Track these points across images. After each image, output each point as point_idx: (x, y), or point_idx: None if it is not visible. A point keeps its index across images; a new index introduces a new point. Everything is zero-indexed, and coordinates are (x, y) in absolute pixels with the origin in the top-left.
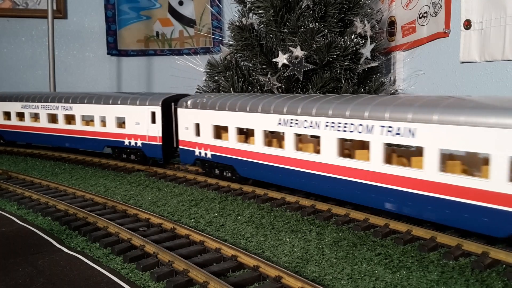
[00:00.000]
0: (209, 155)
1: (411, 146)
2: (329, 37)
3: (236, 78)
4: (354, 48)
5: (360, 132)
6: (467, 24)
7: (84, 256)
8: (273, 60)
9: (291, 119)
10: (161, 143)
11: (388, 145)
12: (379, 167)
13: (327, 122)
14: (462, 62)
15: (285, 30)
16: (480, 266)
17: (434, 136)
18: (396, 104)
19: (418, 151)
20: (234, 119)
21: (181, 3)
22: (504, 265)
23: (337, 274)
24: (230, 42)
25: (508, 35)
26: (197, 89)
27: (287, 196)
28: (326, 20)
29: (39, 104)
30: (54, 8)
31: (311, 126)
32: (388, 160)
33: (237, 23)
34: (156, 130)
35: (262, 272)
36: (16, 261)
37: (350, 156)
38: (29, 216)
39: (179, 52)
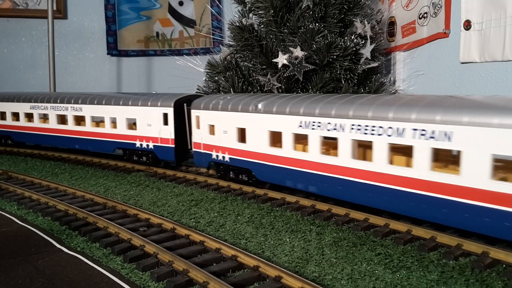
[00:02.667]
0: (227, 159)
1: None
2: (329, 38)
3: (236, 79)
4: (354, 49)
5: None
6: (467, 25)
7: (84, 256)
8: (273, 60)
9: (317, 122)
10: (173, 146)
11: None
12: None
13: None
14: (462, 63)
15: (285, 30)
16: (480, 266)
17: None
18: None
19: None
20: (257, 121)
21: (181, 4)
22: (504, 265)
23: (337, 274)
24: (230, 42)
25: (508, 35)
26: (197, 89)
27: (287, 196)
28: (326, 20)
29: (48, 105)
30: (54, 8)
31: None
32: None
33: (237, 24)
34: (168, 132)
35: (262, 272)
36: (16, 261)
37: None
38: (29, 216)
39: (179, 53)
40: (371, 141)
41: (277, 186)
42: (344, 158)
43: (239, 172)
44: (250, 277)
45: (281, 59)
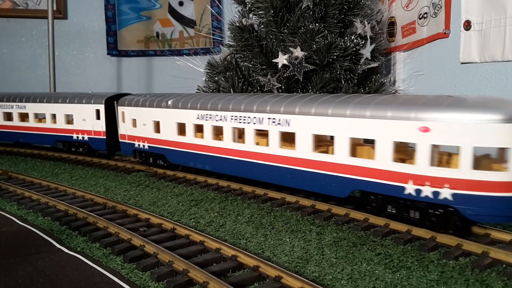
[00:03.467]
0: (146, 147)
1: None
2: (329, 38)
3: (236, 79)
4: (354, 49)
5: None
6: (467, 25)
7: (84, 256)
8: (273, 60)
9: (209, 115)
10: (105, 137)
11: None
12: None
13: (232, 116)
14: (462, 63)
15: (285, 30)
16: (480, 266)
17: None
18: (275, 101)
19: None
20: (167, 115)
21: (181, 4)
22: (504, 265)
23: (337, 274)
24: (230, 42)
25: (508, 35)
26: (197, 89)
27: (287, 196)
28: (326, 20)
29: None
30: (54, 8)
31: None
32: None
33: (237, 24)
34: (100, 126)
35: (262, 272)
36: (16, 261)
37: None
38: (29, 216)
39: (179, 53)
40: (243, 128)
41: (262, 183)
42: (228, 141)
43: (156, 157)
44: (250, 277)
45: (281, 59)
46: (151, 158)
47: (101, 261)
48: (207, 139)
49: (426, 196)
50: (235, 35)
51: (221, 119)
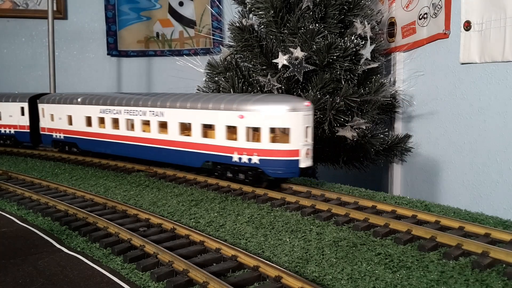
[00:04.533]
0: (62, 137)
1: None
2: (329, 38)
3: (236, 79)
4: (354, 49)
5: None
6: (467, 25)
7: (84, 256)
8: (273, 61)
9: (109, 109)
10: (29, 131)
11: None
12: (154, 134)
13: (125, 110)
14: (462, 63)
15: (285, 31)
16: (480, 266)
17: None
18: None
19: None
20: (78, 110)
21: (181, 4)
22: (504, 265)
23: (337, 274)
24: (230, 43)
25: (508, 36)
26: (197, 90)
27: (287, 196)
28: (326, 21)
29: None
30: (55, 8)
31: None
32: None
33: (237, 24)
34: (25, 121)
35: (262, 272)
36: (16, 261)
37: (145, 130)
38: (29, 217)
39: (179, 53)
40: (133, 119)
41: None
42: (123, 130)
43: (70, 146)
44: (250, 277)
45: (281, 60)
46: (66, 146)
47: (101, 261)
48: (108, 129)
49: (245, 162)
50: (235, 36)
51: (117, 113)
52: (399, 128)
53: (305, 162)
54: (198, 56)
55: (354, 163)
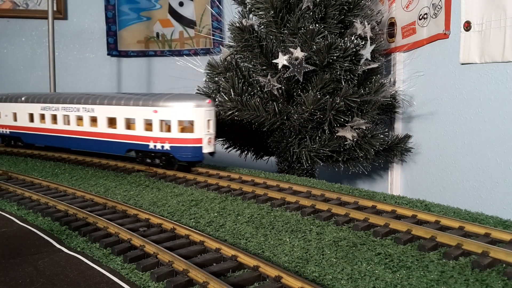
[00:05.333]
0: (8, 132)
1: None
2: (329, 39)
3: (236, 79)
4: (354, 50)
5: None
6: (467, 26)
7: (84, 256)
8: (273, 61)
9: (49, 107)
10: None
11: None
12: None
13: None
14: (462, 64)
15: (285, 31)
16: (480, 266)
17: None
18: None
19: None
20: (22, 108)
21: (181, 4)
22: (504, 264)
23: (337, 274)
24: (230, 43)
25: (508, 36)
26: (197, 90)
27: (287, 196)
28: (326, 21)
29: None
30: (55, 9)
31: (56, 110)
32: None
33: (237, 24)
34: None
35: (262, 272)
36: (16, 261)
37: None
38: (29, 217)
39: (179, 53)
40: (69, 115)
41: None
42: (60, 125)
43: (15, 140)
44: (250, 277)
45: (281, 60)
46: (12, 141)
47: (101, 261)
48: (48, 124)
49: (159, 149)
50: (235, 36)
51: (56, 110)
52: (399, 128)
53: (207, 148)
54: (198, 56)
55: (354, 163)
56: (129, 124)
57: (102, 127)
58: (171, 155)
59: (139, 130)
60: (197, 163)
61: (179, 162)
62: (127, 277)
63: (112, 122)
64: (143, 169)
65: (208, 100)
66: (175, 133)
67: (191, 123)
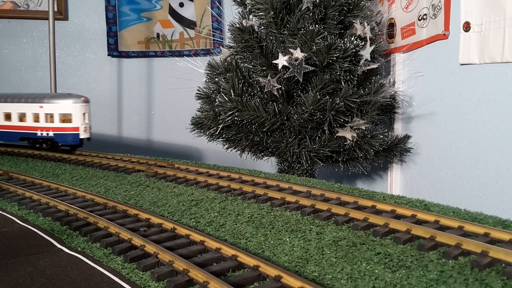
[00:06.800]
0: None
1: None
2: (329, 39)
3: (236, 80)
4: (354, 50)
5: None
6: (467, 26)
7: (85, 256)
8: (273, 61)
9: None
10: None
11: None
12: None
13: None
14: (462, 64)
15: (285, 32)
16: (480, 265)
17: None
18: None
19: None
20: None
21: (181, 5)
22: (503, 264)
23: (337, 273)
24: (230, 43)
25: (508, 37)
26: (198, 90)
27: (287, 196)
28: (326, 22)
29: None
30: (55, 9)
31: None
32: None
33: (237, 25)
34: None
35: (262, 271)
36: (17, 261)
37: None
38: (30, 217)
39: (179, 54)
40: None
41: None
42: None
43: None
44: (250, 277)
45: (281, 61)
46: None
47: (102, 261)
48: None
49: (45, 136)
50: (235, 36)
51: None
52: (399, 129)
53: (83, 135)
54: (199, 57)
55: (353, 164)
56: (22, 117)
57: (0, 120)
58: (55, 140)
59: (29, 121)
60: (77, 147)
61: (62, 146)
62: (128, 276)
63: (8, 116)
64: (143, 169)
65: (83, 98)
66: (57, 123)
67: (70, 115)
